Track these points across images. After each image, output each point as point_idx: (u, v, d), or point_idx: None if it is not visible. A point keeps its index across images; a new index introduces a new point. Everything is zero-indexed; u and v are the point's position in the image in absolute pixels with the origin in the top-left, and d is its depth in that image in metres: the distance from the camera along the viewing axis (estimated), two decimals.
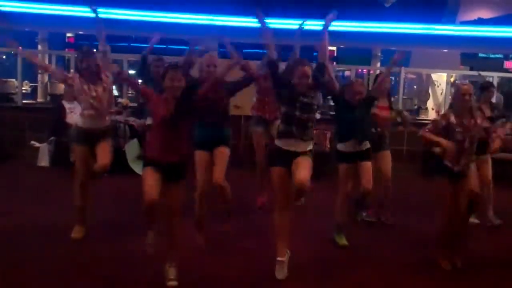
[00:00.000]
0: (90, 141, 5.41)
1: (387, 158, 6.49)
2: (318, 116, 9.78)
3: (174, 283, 4.31)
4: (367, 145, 5.65)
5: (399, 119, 6.71)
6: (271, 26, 5.21)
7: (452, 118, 4.97)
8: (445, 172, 4.98)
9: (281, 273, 4.62)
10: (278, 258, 4.64)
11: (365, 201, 6.11)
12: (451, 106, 5.24)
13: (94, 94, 5.36)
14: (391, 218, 6.61)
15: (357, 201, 6.01)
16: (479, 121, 5.04)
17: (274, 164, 4.66)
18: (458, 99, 4.97)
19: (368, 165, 5.52)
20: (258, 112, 6.99)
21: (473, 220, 6.54)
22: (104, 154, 5.41)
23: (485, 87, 7.03)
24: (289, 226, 4.70)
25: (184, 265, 4.48)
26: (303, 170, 4.43)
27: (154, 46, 6.73)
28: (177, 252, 4.42)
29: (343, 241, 5.63)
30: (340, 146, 5.63)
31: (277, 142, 4.70)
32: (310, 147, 4.65)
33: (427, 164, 9.67)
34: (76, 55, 5.64)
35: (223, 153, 5.27)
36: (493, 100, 11.04)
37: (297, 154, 4.54)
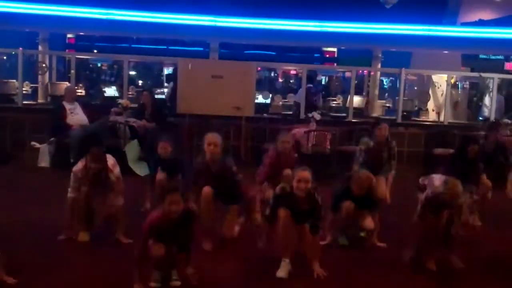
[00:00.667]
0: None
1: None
2: (318, 117, 9.84)
3: (177, 283, 4.40)
4: None
5: None
6: (272, 27, 5.20)
7: None
8: None
9: (282, 272, 4.70)
10: (285, 259, 4.74)
11: None
12: None
13: None
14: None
15: None
16: None
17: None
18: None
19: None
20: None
21: (477, 223, 6.56)
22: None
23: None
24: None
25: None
26: None
27: (155, 47, 6.68)
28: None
29: (343, 241, 5.70)
30: None
31: None
32: None
33: (428, 165, 9.67)
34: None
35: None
36: (494, 101, 11.14)
37: None
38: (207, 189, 5.39)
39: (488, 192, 6.75)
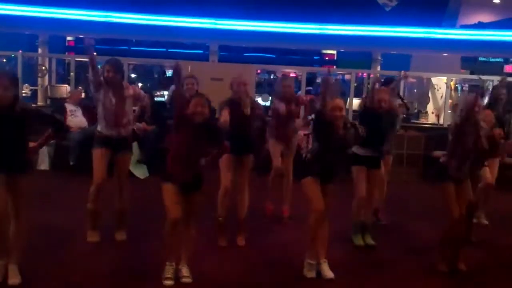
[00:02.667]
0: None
1: (388, 162, 6.61)
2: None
3: (188, 280, 4.46)
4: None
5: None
6: (271, 30, 5.29)
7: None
8: (448, 178, 4.99)
9: (310, 273, 4.77)
10: (310, 261, 4.79)
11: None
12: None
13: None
14: (385, 218, 6.61)
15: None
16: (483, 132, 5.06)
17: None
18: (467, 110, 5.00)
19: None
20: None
21: (483, 221, 6.55)
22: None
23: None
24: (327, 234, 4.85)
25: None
26: None
27: (154, 49, 6.70)
28: (190, 253, 4.55)
29: (359, 241, 5.74)
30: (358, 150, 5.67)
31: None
32: None
33: (427, 168, 9.66)
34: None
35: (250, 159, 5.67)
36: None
37: None
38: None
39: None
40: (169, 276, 4.43)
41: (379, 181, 6.35)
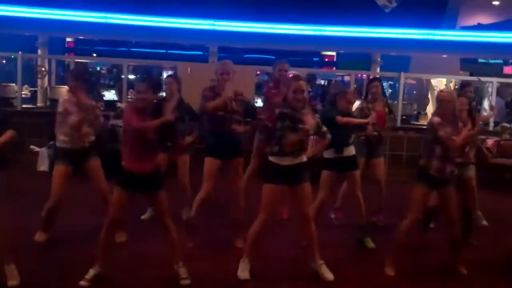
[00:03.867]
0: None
1: (381, 165, 6.63)
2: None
3: (187, 281, 4.48)
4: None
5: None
6: (271, 31, 5.26)
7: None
8: (428, 179, 4.94)
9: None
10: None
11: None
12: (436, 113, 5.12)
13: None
14: (384, 219, 6.62)
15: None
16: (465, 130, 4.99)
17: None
18: (445, 108, 4.94)
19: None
20: None
21: (483, 222, 6.55)
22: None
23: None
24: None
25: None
26: None
27: (154, 51, 6.74)
28: (180, 252, 4.57)
29: (369, 243, 5.76)
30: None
31: None
32: None
33: None
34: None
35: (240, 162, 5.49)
36: (493, 104, 11.14)
37: None
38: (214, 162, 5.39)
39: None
40: (88, 278, 4.41)
41: (378, 185, 6.42)
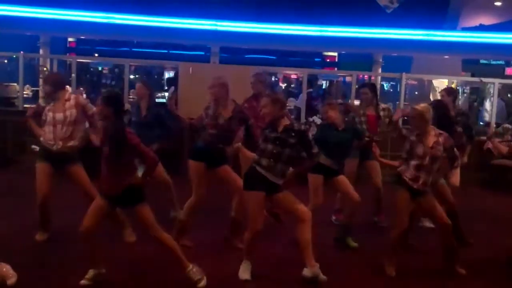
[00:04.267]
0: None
1: (377, 167, 6.63)
2: (319, 121, 9.81)
3: (202, 283, 4.44)
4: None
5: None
6: (272, 31, 5.27)
7: (412, 137, 5.04)
8: (403, 186, 4.98)
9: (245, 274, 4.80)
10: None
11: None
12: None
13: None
14: (384, 220, 6.62)
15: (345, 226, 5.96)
16: (441, 139, 4.99)
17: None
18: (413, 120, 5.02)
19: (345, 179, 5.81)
20: None
21: (429, 224, 6.46)
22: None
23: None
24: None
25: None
26: None
27: (155, 51, 6.77)
28: (183, 257, 4.49)
29: (352, 243, 5.82)
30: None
31: None
32: None
33: None
34: None
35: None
36: (494, 106, 11.14)
37: None
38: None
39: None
40: (88, 277, 4.44)
41: (375, 188, 6.44)
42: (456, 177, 6.02)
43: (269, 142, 4.64)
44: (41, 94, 11.70)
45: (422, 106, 5.03)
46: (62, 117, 5.46)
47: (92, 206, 4.38)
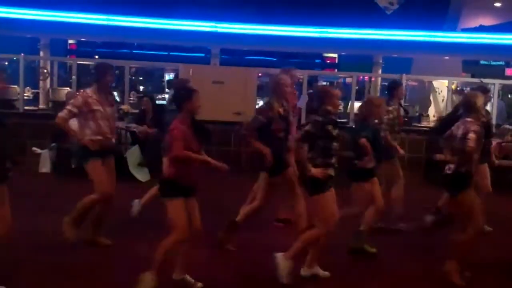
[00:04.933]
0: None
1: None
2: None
3: (199, 284, 4.48)
4: None
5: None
6: (273, 33, 5.28)
7: None
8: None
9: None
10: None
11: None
12: None
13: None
14: (397, 223, 6.59)
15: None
16: None
17: None
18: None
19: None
20: None
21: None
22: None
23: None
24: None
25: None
26: None
27: (156, 53, 6.77)
28: (180, 261, 4.53)
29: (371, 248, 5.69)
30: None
31: None
32: None
33: (429, 171, 9.66)
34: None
35: None
36: (494, 107, 11.14)
37: None
38: None
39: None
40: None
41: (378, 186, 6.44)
42: None
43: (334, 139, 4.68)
44: (41, 95, 11.75)
45: None
46: (111, 110, 5.53)
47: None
